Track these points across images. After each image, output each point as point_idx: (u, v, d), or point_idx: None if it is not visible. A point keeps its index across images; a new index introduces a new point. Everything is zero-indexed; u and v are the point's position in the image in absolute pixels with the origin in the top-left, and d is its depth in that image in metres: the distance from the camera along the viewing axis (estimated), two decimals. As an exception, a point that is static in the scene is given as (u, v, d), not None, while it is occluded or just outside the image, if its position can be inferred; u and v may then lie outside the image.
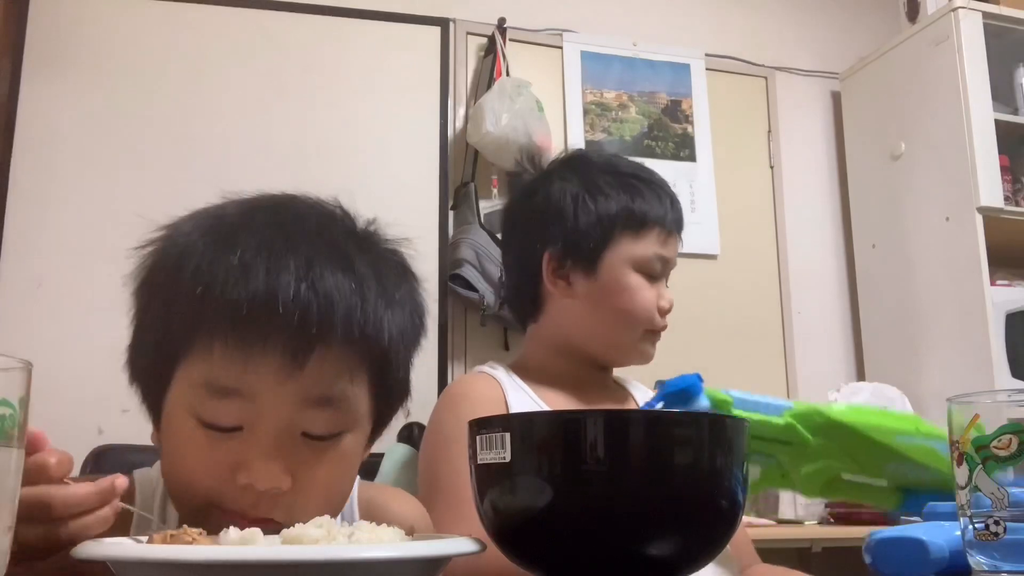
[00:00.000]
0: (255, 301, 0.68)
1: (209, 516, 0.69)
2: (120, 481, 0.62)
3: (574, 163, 1.31)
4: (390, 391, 0.79)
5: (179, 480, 0.71)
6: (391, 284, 0.77)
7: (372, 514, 0.85)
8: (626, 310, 1.22)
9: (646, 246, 1.23)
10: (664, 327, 1.26)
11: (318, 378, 0.70)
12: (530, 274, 1.26)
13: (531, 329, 1.29)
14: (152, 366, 0.74)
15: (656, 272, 1.24)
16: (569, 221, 1.23)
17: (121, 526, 0.78)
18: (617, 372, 1.34)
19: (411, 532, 0.63)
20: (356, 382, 0.73)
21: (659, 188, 1.28)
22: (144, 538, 0.58)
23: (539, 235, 1.26)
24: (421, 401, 1.25)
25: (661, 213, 1.25)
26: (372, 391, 0.76)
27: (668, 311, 1.25)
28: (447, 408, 1.19)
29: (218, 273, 0.69)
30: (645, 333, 1.24)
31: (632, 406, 1.29)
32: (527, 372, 1.24)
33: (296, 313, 0.68)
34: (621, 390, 1.32)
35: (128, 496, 0.79)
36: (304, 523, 0.65)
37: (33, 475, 0.57)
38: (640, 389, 1.33)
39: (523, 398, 1.19)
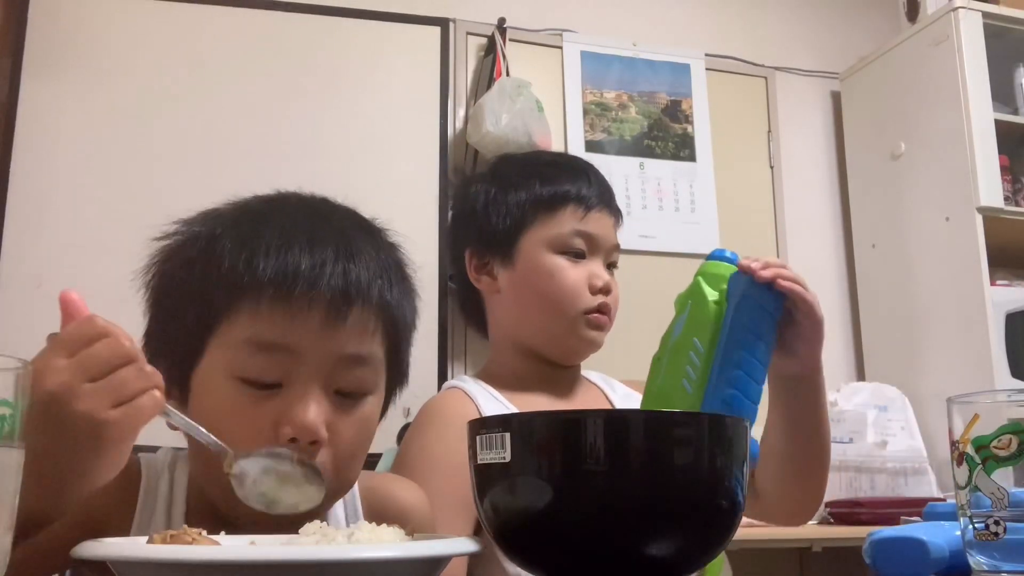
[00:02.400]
0: (300, 264, 0.73)
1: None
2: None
3: (494, 166, 1.35)
4: (398, 370, 0.85)
5: (213, 459, 0.71)
6: (403, 272, 0.84)
7: (375, 502, 0.89)
8: (547, 291, 1.20)
9: (560, 224, 1.22)
10: (599, 306, 1.21)
11: (354, 336, 0.76)
12: (464, 279, 1.28)
13: (490, 336, 1.30)
14: (184, 339, 0.76)
15: (578, 249, 1.22)
16: (482, 217, 1.25)
17: (124, 521, 0.78)
18: (590, 369, 1.33)
19: (411, 531, 0.63)
20: (380, 350, 0.80)
21: (576, 169, 1.27)
22: (144, 539, 0.58)
23: (461, 237, 1.30)
24: (420, 401, 1.25)
25: (574, 190, 1.23)
26: (387, 363, 0.81)
27: (602, 289, 1.21)
28: (415, 429, 1.18)
29: (260, 243, 0.74)
30: (579, 316, 1.20)
31: (604, 403, 1.27)
32: (495, 379, 1.23)
33: (339, 277, 0.74)
34: (593, 388, 1.30)
35: (135, 478, 0.81)
36: (335, 477, 0.72)
37: (96, 335, 0.61)
38: (614, 386, 1.32)
39: (496, 406, 1.18)
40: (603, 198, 1.25)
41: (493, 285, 1.25)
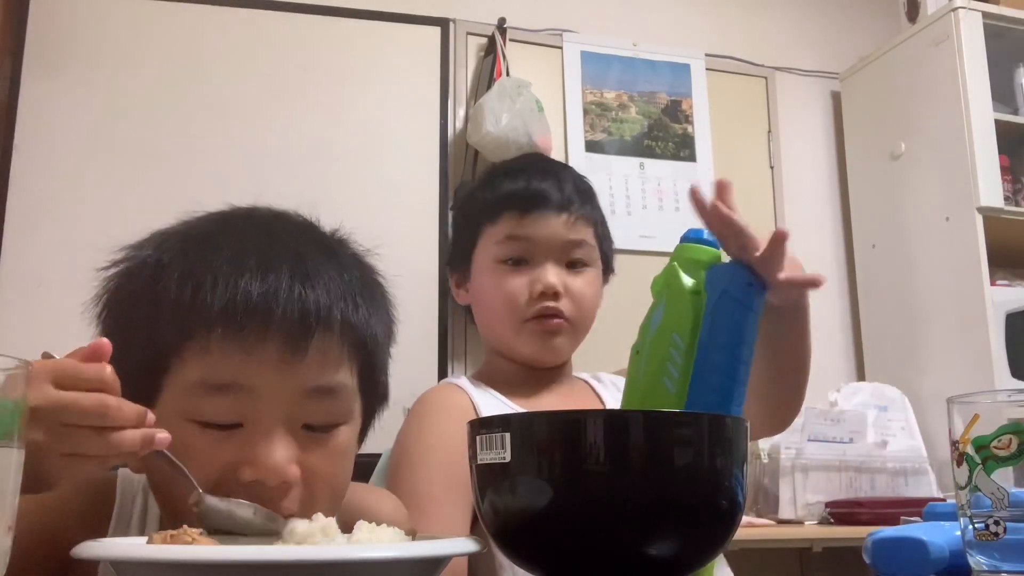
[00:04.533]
0: (251, 295, 0.67)
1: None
2: (151, 418, 0.62)
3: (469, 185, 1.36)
4: (375, 391, 0.80)
5: (178, 491, 0.67)
6: (371, 286, 0.78)
7: (351, 516, 0.84)
8: (488, 304, 1.19)
9: (497, 233, 1.18)
10: (542, 311, 1.15)
11: (316, 368, 0.70)
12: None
13: None
14: (137, 380, 0.68)
15: (516, 255, 1.17)
16: (452, 238, 1.28)
17: (101, 525, 0.77)
18: (583, 368, 1.32)
19: (412, 534, 0.63)
20: (350, 375, 0.74)
21: (517, 171, 1.22)
22: (144, 538, 0.58)
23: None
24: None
25: (509, 193, 1.18)
26: (360, 388, 0.76)
27: (544, 293, 1.15)
28: (411, 420, 1.18)
29: (207, 273, 0.68)
30: (522, 325, 1.16)
31: (593, 398, 1.26)
32: (488, 379, 1.24)
33: (295, 304, 0.68)
34: (582, 385, 1.29)
35: (109, 498, 0.79)
36: (309, 518, 0.66)
37: (92, 384, 0.59)
38: (601, 378, 1.31)
39: (491, 400, 1.18)
40: (545, 195, 1.17)
41: (467, 298, 1.27)
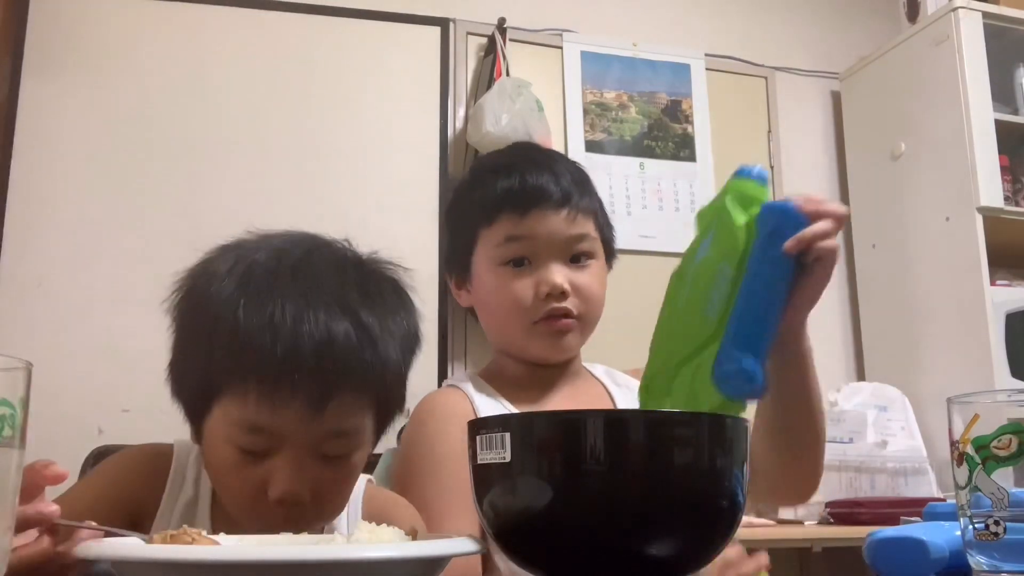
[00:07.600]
0: (284, 357, 0.78)
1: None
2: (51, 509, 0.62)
3: (458, 182, 1.32)
4: (391, 410, 0.89)
5: (219, 490, 0.86)
6: (392, 312, 0.85)
7: (373, 517, 0.86)
8: (494, 308, 1.17)
9: (496, 235, 1.14)
10: (552, 312, 1.13)
11: (335, 417, 0.81)
12: None
13: None
14: (192, 396, 0.85)
15: (518, 256, 1.14)
16: (448, 238, 1.26)
17: (155, 495, 0.90)
18: (591, 363, 1.31)
19: (413, 534, 0.63)
20: (366, 414, 0.84)
21: (510, 167, 1.17)
22: (144, 539, 0.58)
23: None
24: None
25: (505, 192, 1.14)
26: (376, 415, 0.86)
27: (551, 294, 1.12)
28: (416, 428, 1.17)
29: (252, 330, 0.79)
30: (530, 327, 1.14)
31: (604, 398, 1.23)
32: (494, 378, 1.22)
33: (318, 368, 0.78)
34: (594, 383, 1.26)
35: (166, 463, 0.92)
36: (320, 519, 0.81)
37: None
38: (616, 377, 1.28)
39: (493, 405, 1.16)
40: (543, 192, 1.14)
41: (469, 300, 1.23)
